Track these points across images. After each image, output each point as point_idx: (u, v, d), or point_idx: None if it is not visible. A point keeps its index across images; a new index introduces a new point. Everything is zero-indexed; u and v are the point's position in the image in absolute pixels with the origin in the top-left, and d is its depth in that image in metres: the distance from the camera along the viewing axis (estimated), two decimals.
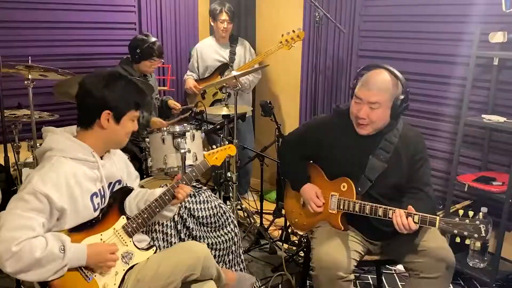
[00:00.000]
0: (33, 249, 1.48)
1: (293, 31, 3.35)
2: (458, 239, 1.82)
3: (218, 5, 3.71)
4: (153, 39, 3.25)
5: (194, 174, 1.99)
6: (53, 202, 1.55)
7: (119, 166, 1.87)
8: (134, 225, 1.78)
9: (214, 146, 2.17)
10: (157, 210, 1.84)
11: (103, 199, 1.75)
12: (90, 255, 1.61)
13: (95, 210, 1.70)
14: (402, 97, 1.97)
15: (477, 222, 1.74)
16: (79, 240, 1.64)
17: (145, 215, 1.81)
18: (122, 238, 1.76)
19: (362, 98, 1.97)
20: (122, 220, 1.78)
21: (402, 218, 1.85)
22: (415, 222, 1.84)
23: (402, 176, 2.05)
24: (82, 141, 1.71)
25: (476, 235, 1.74)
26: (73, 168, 1.64)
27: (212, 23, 3.82)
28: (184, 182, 1.94)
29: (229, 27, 3.76)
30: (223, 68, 3.78)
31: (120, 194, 1.81)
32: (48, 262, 1.51)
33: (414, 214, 1.84)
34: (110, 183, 1.80)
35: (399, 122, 2.09)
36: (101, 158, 1.77)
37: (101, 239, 1.70)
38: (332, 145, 2.14)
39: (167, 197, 1.86)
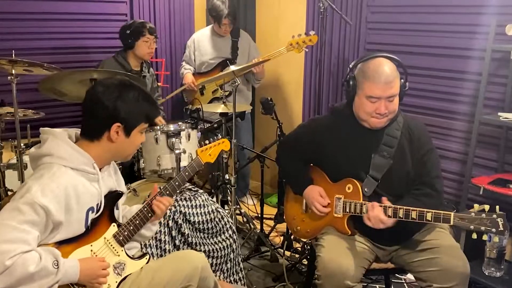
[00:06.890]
0: (26, 263, 1.45)
1: (306, 34, 3.31)
2: (474, 236, 1.81)
3: (219, 9, 3.60)
4: (142, 20, 3.41)
5: (187, 174, 1.97)
6: (51, 215, 1.53)
7: (113, 177, 1.86)
8: (126, 233, 1.77)
9: (207, 142, 2.15)
10: (149, 215, 1.83)
11: (98, 213, 1.72)
12: (83, 271, 1.59)
13: (86, 225, 1.67)
14: (403, 76, 2.04)
15: (494, 215, 1.75)
16: (69, 252, 1.61)
17: (137, 221, 1.80)
18: (113, 247, 1.74)
19: (379, 96, 1.96)
20: (113, 228, 1.76)
21: (375, 210, 1.91)
22: (427, 220, 1.86)
23: (409, 171, 2.07)
24: (84, 151, 1.68)
25: (494, 230, 1.75)
26: (73, 180, 1.62)
27: (211, 22, 3.76)
28: (177, 183, 1.92)
29: (231, 27, 3.72)
30: (224, 64, 3.73)
31: (110, 200, 1.78)
32: (40, 277, 1.48)
33: (427, 211, 1.86)
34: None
35: (399, 114, 2.12)
36: (100, 170, 1.74)
37: (91, 250, 1.68)
38: (331, 146, 2.14)
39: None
